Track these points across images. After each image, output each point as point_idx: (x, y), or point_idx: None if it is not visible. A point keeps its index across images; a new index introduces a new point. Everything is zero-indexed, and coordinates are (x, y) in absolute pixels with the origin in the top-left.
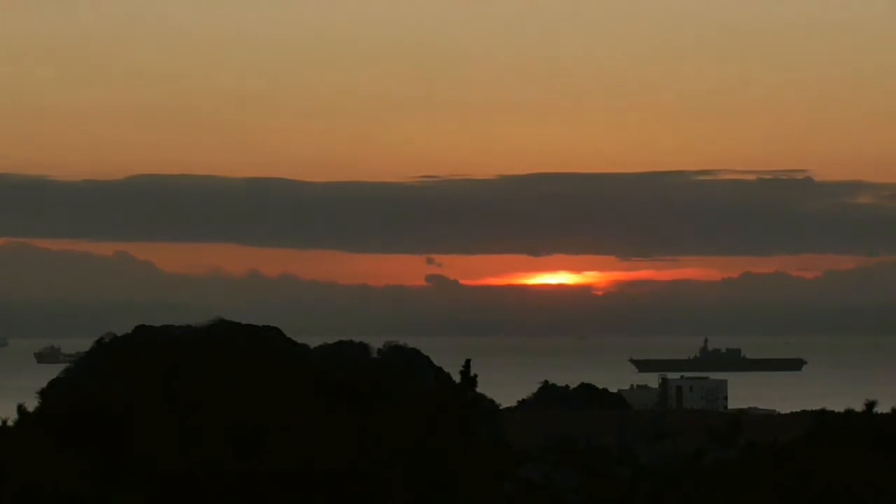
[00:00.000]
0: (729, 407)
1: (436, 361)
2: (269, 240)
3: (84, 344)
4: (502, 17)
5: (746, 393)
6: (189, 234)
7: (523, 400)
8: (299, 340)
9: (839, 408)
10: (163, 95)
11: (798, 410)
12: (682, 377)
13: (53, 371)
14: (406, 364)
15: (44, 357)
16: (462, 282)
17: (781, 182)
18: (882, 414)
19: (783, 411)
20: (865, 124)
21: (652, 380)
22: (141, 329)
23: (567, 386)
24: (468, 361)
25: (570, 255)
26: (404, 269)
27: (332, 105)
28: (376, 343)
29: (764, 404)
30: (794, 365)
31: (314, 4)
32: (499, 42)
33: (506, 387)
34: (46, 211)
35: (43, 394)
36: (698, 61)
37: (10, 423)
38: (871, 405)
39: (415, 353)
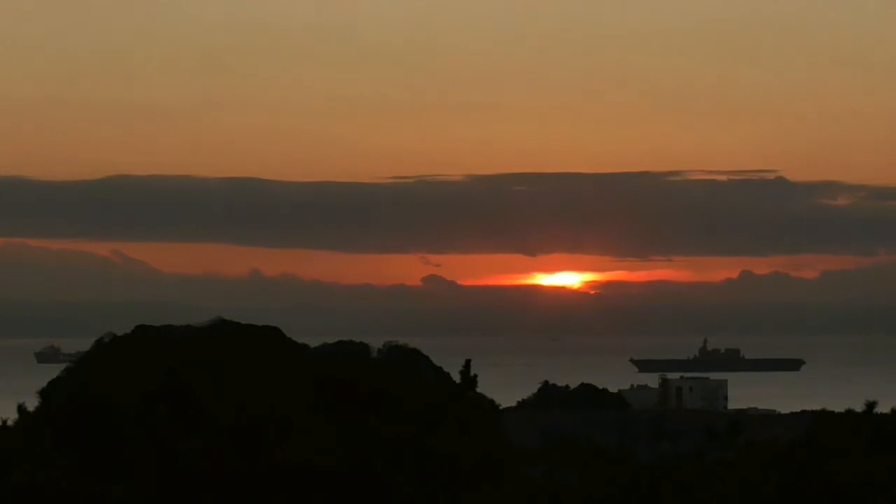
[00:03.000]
0: (729, 407)
1: (436, 361)
2: (247, 239)
3: (84, 344)
4: (470, 19)
5: (746, 393)
6: (175, 234)
7: (523, 400)
8: (299, 340)
9: (839, 408)
10: (135, 95)
11: (798, 410)
12: (681, 377)
13: (53, 371)
14: (406, 364)
15: (44, 357)
16: (460, 282)
17: (755, 182)
18: (882, 414)
19: (783, 411)
20: (835, 125)
21: (652, 380)
22: (141, 329)
23: (567, 386)
24: (468, 361)
25: (559, 254)
26: (397, 270)
27: (293, 105)
28: (376, 343)
29: (764, 404)
30: (793, 365)
31: (286, 6)
32: (466, 43)
33: (506, 387)
34: (28, 210)
35: (43, 394)
36: (665, 61)
37: (10, 422)
38: (871, 405)
39: (415, 353)
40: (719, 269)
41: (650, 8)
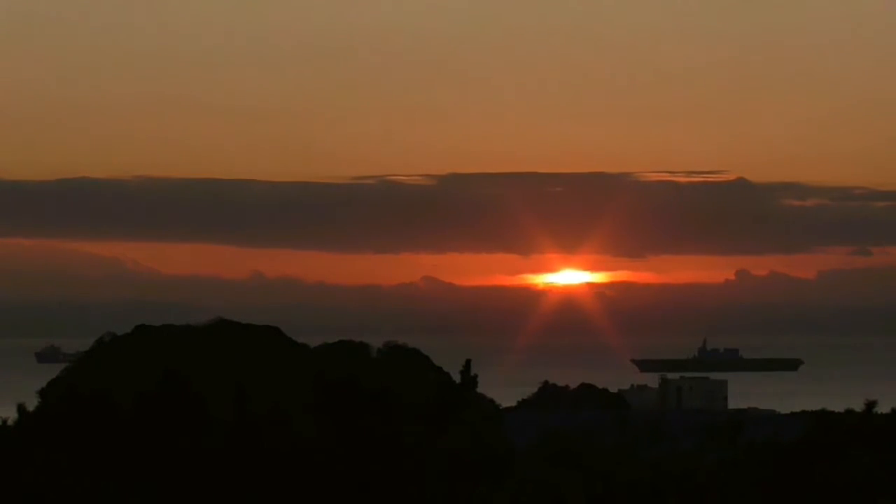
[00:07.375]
0: (729, 407)
1: (436, 361)
2: (235, 239)
3: (84, 344)
4: (421, 18)
5: (746, 393)
6: (171, 235)
7: (523, 400)
8: (299, 340)
9: (839, 408)
10: (93, 95)
11: (798, 410)
12: (681, 377)
13: (53, 371)
14: (406, 364)
15: (44, 357)
16: (456, 283)
17: (718, 184)
18: (882, 414)
19: (783, 411)
20: (791, 126)
21: (652, 380)
22: (141, 329)
23: (567, 386)
24: (468, 361)
25: (551, 254)
26: (391, 271)
27: (249, 106)
28: (376, 343)
29: (764, 404)
30: (791, 365)
31: (250, 8)
32: (417, 41)
33: (506, 387)
34: (19, 210)
35: (43, 394)
36: (616, 59)
37: (10, 422)
38: (871, 405)
39: (415, 353)
40: (716, 269)
41: (607, 7)
